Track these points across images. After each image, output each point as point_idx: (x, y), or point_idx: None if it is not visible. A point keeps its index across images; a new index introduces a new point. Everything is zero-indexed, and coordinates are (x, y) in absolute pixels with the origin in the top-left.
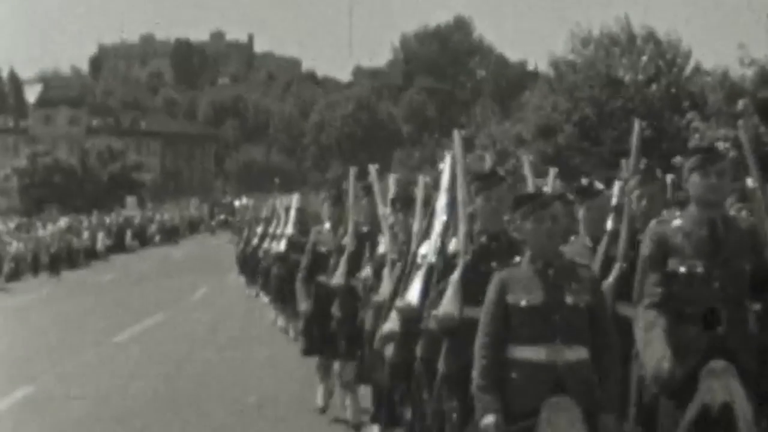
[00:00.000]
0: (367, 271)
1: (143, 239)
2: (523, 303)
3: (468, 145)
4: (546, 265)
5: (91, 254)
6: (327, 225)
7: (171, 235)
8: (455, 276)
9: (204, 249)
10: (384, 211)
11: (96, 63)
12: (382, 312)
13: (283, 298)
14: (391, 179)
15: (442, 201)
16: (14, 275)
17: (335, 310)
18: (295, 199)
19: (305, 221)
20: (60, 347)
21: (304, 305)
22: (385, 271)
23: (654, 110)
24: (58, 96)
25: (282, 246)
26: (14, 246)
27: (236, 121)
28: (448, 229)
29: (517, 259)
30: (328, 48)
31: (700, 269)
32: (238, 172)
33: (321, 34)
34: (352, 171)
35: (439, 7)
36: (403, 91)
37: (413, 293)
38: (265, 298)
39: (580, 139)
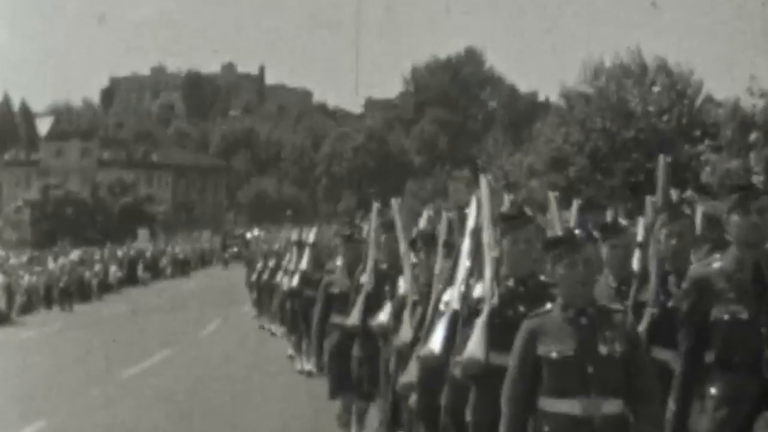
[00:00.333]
0: (385, 314)
1: (155, 272)
2: (555, 354)
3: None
4: (578, 312)
5: (104, 287)
6: (338, 262)
7: (183, 267)
8: (481, 320)
9: (215, 281)
10: (405, 248)
11: (107, 95)
12: (403, 357)
13: (297, 333)
14: (425, 216)
15: (467, 245)
16: (26, 309)
17: (356, 350)
18: (310, 234)
19: (320, 257)
20: (72, 381)
21: (313, 359)
22: (406, 314)
23: (665, 141)
24: (69, 128)
25: (295, 281)
26: (26, 279)
27: (248, 152)
28: (473, 275)
29: (548, 305)
30: (339, 80)
31: (744, 315)
32: (250, 204)
33: (332, 66)
34: (375, 206)
35: (449, 39)
36: (414, 123)
37: (436, 341)
38: (278, 331)
39: (591, 171)
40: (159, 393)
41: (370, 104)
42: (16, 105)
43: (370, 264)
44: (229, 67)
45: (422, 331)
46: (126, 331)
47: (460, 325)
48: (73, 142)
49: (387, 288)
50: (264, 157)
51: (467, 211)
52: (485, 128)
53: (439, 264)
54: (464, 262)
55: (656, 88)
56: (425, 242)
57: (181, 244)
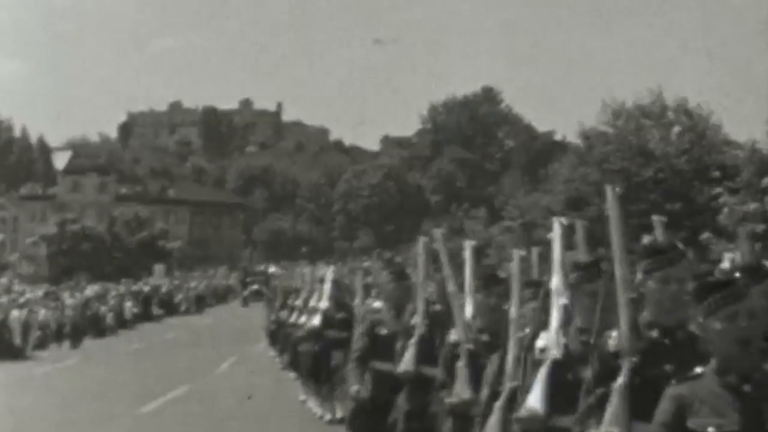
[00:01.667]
0: (409, 357)
1: (171, 308)
2: (713, 430)
3: (496, 216)
4: (741, 378)
5: (119, 323)
6: (377, 303)
7: (198, 303)
8: (620, 383)
9: (232, 318)
10: (453, 288)
11: (125, 130)
12: (458, 418)
13: (317, 377)
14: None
15: (556, 280)
16: (41, 344)
17: (402, 402)
18: (329, 271)
19: (341, 295)
20: (86, 418)
21: (356, 387)
22: (459, 366)
23: (684, 182)
24: (86, 163)
25: (316, 321)
26: (42, 314)
27: (264, 189)
28: (570, 315)
29: (698, 369)
30: (356, 117)
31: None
32: (266, 241)
33: (349, 104)
34: (422, 240)
35: (467, 77)
36: (431, 161)
37: (535, 398)
38: (291, 374)
39: None
40: (175, 430)
41: (387, 142)
42: (33, 139)
43: (421, 305)
44: (246, 104)
45: (500, 386)
46: (142, 368)
47: (567, 376)
48: (90, 176)
49: (438, 332)
50: (280, 194)
51: (550, 235)
52: (502, 167)
53: (515, 308)
54: (558, 300)
55: (676, 129)
56: (486, 281)
57: (197, 280)
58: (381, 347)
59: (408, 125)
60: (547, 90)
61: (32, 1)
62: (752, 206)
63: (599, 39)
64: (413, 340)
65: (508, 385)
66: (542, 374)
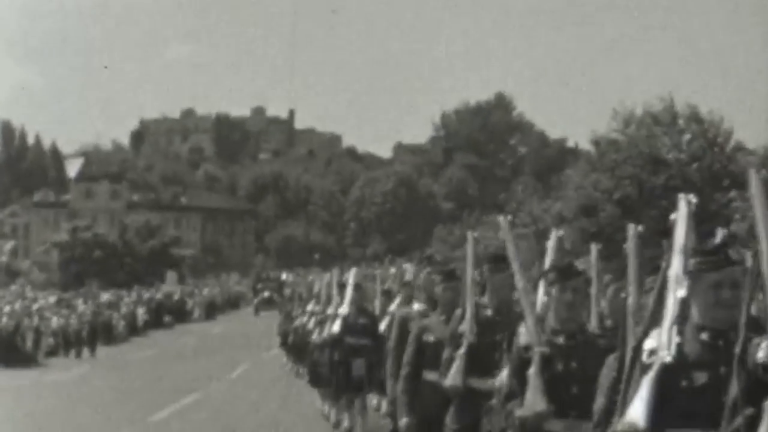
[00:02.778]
0: (503, 374)
1: (183, 315)
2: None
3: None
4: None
5: (132, 330)
6: (416, 306)
7: (210, 311)
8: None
9: (243, 325)
10: (524, 284)
11: (137, 138)
12: None
13: (336, 387)
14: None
15: (676, 266)
16: (53, 351)
17: (451, 420)
18: (351, 275)
19: (362, 300)
20: (100, 424)
21: (405, 420)
22: (531, 374)
23: (695, 189)
24: (99, 170)
25: (336, 327)
26: (54, 321)
27: (276, 196)
28: (687, 310)
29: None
30: (369, 124)
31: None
32: (278, 248)
33: (362, 111)
34: (471, 235)
35: (479, 84)
36: (443, 168)
37: (638, 409)
38: (305, 381)
39: (621, 218)
40: None
41: (400, 149)
42: (46, 146)
43: (470, 309)
44: (258, 111)
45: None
46: (153, 375)
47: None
48: (102, 183)
49: (499, 339)
50: (293, 201)
51: (672, 217)
52: (514, 174)
53: (633, 296)
54: (676, 291)
55: (687, 136)
56: (561, 273)
57: (209, 287)
58: (430, 355)
59: (421, 132)
60: (559, 97)
61: (45, 10)
62: None
63: (611, 46)
64: (461, 350)
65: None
66: (648, 381)
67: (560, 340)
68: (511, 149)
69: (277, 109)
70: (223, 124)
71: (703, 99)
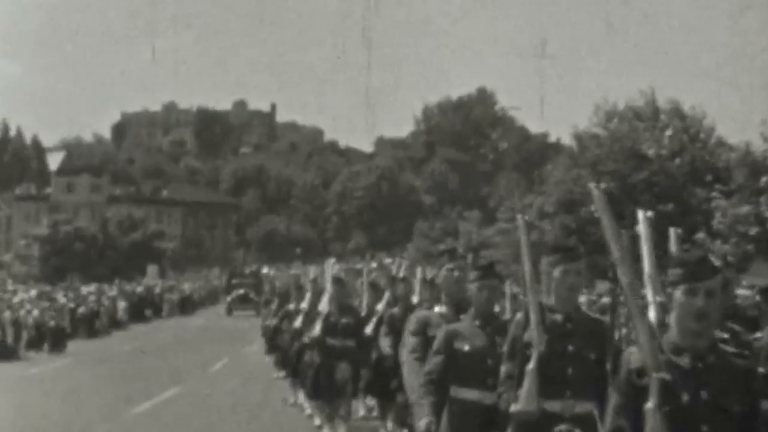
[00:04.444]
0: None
1: (162, 309)
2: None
3: (490, 218)
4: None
5: (113, 323)
6: (438, 308)
7: (190, 305)
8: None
9: (224, 320)
10: (630, 280)
11: (118, 131)
12: None
13: (319, 393)
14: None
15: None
16: (33, 344)
17: None
18: (329, 266)
19: (344, 296)
20: (80, 418)
21: (426, 420)
22: (648, 409)
23: (677, 184)
24: (80, 164)
25: (317, 328)
26: (34, 314)
27: (258, 190)
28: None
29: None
30: (351, 118)
31: None
32: (260, 242)
33: (343, 105)
34: (522, 219)
35: (461, 79)
36: (425, 162)
37: None
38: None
39: None
40: (167, 431)
41: (381, 143)
42: (27, 139)
43: (534, 312)
44: (240, 104)
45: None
46: (134, 368)
47: None
48: (83, 177)
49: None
50: (274, 195)
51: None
52: (496, 169)
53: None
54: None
55: (669, 132)
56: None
57: (190, 281)
58: (462, 369)
59: (402, 126)
60: (541, 92)
61: (27, 3)
62: (745, 209)
63: (593, 41)
64: (531, 365)
65: None
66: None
67: (684, 361)
68: (492, 144)
69: (258, 103)
70: (204, 118)
71: (686, 95)
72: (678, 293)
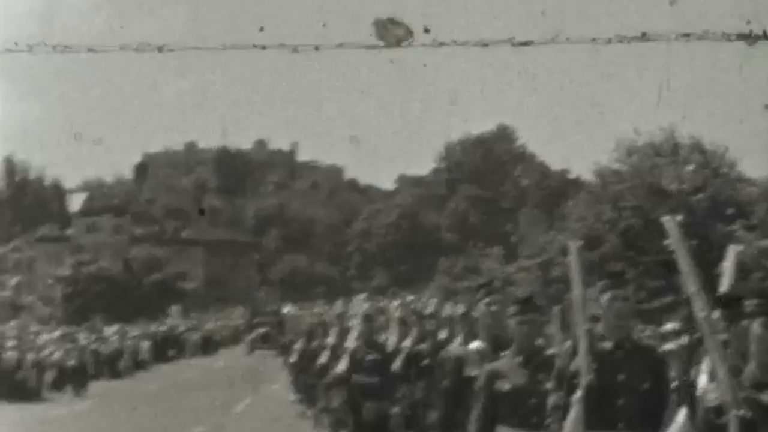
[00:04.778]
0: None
1: (185, 349)
2: None
3: (512, 254)
4: None
5: (136, 364)
6: (476, 344)
7: (214, 345)
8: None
9: (247, 359)
10: (707, 312)
11: (140, 171)
12: None
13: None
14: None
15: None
16: (57, 385)
17: None
18: (359, 301)
19: (371, 332)
20: None
21: None
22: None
23: (698, 219)
24: (102, 204)
25: (343, 364)
26: (57, 355)
27: (279, 229)
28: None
29: None
30: (371, 157)
31: None
32: (282, 281)
33: (364, 143)
34: (574, 245)
35: (482, 116)
36: (446, 200)
37: None
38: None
39: (624, 249)
40: None
41: (403, 181)
42: (48, 180)
43: (584, 340)
44: (260, 144)
45: None
46: (157, 409)
47: None
48: (105, 217)
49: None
50: (296, 234)
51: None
52: (517, 205)
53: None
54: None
55: (690, 167)
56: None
57: (213, 321)
58: (504, 409)
59: (423, 164)
60: (562, 129)
61: (47, 42)
62: (767, 242)
63: (611, 78)
64: (578, 394)
65: None
66: None
67: (765, 397)
68: (513, 180)
69: (279, 142)
70: (225, 157)
71: (705, 129)
72: (756, 325)
